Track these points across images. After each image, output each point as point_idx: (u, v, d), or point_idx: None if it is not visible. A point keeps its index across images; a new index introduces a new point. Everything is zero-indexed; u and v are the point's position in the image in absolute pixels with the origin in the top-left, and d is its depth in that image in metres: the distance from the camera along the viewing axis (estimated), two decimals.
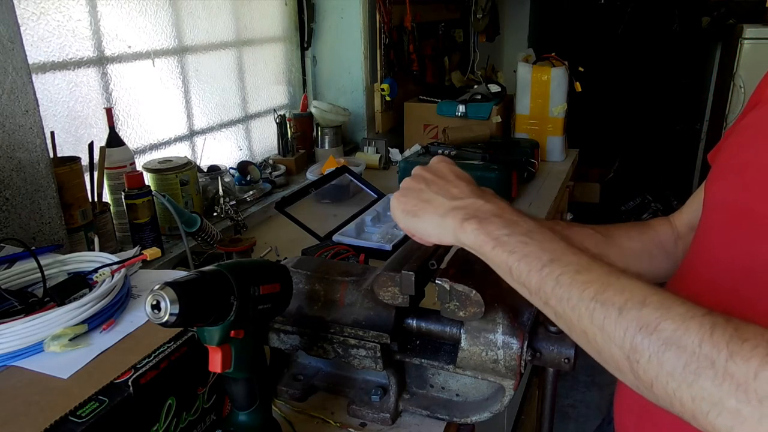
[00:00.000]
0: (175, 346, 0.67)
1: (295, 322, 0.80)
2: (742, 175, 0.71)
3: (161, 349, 0.66)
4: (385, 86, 2.22)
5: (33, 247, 0.89)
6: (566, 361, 0.70)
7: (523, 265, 0.53)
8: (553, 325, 0.71)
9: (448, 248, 0.76)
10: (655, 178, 3.84)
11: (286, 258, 1.25)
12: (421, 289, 0.70)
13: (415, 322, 0.78)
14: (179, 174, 1.37)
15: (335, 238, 1.35)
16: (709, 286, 0.73)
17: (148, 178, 1.33)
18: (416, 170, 0.67)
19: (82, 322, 0.74)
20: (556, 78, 2.14)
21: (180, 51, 1.59)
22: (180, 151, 1.60)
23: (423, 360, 0.78)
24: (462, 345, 0.73)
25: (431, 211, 0.61)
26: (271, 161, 1.89)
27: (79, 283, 0.82)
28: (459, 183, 0.63)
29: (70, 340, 0.71)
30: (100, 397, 0.59)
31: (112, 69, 1.37)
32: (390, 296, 0.70)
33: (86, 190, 1.16)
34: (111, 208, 1.27)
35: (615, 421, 0.90)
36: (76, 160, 1.13)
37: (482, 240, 0.56)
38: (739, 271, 0.68)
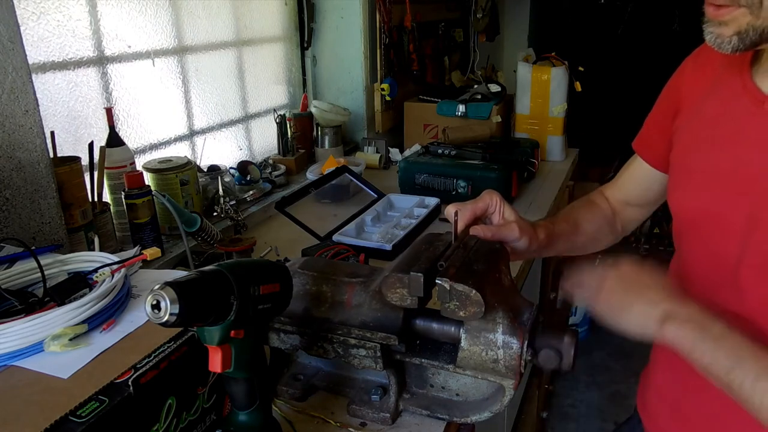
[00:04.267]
0: (175, 345, 0.67)
1: (302, 324, 0.79)
2: (691, 181, 0.80)
3: (161, 349, 0.66)
4: (385, 86, 2.22)
5: (33, 247, 0.89)
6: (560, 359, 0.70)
7: (712, 368, 0.65)
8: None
9: (455, 249, 0.76)
10: None
11: (287, 258, 1.25)
12: (429, 290, 0.70)
13: (415, 322, 0.78)
14: (179, 174, 1.37)
15: (335, 237, 1.35)
16: (706, 282, 0.79)
17: (148, 178, 1.33)
18: (614, 273, 0.74)
19: (82, 322, 0.74)
20: (556, 78, 2.14)
21: (180, 51, 1.59)
22: (180, 151, 1.60)
23: (423, 360, 0.78)
24: (462, 345, 0.73)
25: (635, 312, 0.70)
26: (271, 161, 1.89)
27: (79, 283, 0.82)
28: (656, 287, 0.71)
29: (70, 339, 0.72)
30: (100, 396, 0.59)
31: (112, 69, 1.37)
32: (398, 298, 0.70)
33: (86, 189, 1.16)
34: (111, 207, 1.26)
35: (643, 421, 0.93)
36: (76, 159, 1.13)
37: (680, 342, 0.67)
38: (724, 266, 0.75)
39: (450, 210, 0.80)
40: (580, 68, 2.25)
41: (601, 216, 1.00)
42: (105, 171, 1.23)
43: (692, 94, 0.83)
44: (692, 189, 0.79)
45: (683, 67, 0.87)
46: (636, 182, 0.99)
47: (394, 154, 2.16)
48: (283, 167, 1.86)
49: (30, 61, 1.02)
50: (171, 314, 0.54)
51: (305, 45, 2.12)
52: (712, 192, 0.75)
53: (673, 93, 0.87)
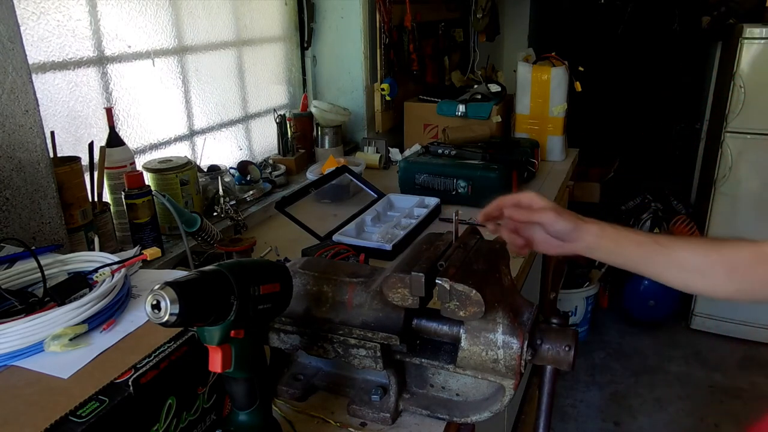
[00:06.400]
0: (175, 345, 0.67)
1: (303, 324, 0.79)
2: None
3: (161, 349, 0.66)
4: (385, 86, 2.22)
5: (33, 247, 0.89)
6: (567, 348, 0.70)
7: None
8: (556, 317, 0.72)
9: (456, 249, 0.76)
10: (655, 178, 3.84)
11: (287, 258, 1.25)
12: (430, 290, 0.70)
13: (416, 321, 0.78)
14: (179, 174, 1.37)
15: (335, 237, 1.35)
16: None
17: (148, 178, 1.33)
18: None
19: (83, 322, 0.74)
20: (556, 78, 2.14)
21: (180, 51, 1.59)
22: (180, 151, 1.60)
23: (423, 360, 0.78)
24: (462, 345, 0.73)
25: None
26: (271, 161, 1.89)
27: (79, 283, 0.82)
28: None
29: (70, 339, 0.72)
30: (100, 396, 0.59)
31: (112, 69, 1.37)
32: (399, 298, 0.70)
33: (86, 189, 1.16)
34: (111, 207, 1.26)
35: None
36: (76, 159, 1.13)
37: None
38: None
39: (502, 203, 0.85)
40: (580, 68, 2.25)
41: (722, 254, 0.79)
42: (105, 171, 1.23)
43: None
44: None
45: None
46: None
47: (394, 154, 2.16)
48: (283, 167, 1.86)
49: (30, 61, 1.02)
50: (171, 314, 0.54)
51: (305, 45, 2.12)
52: None
53: None
